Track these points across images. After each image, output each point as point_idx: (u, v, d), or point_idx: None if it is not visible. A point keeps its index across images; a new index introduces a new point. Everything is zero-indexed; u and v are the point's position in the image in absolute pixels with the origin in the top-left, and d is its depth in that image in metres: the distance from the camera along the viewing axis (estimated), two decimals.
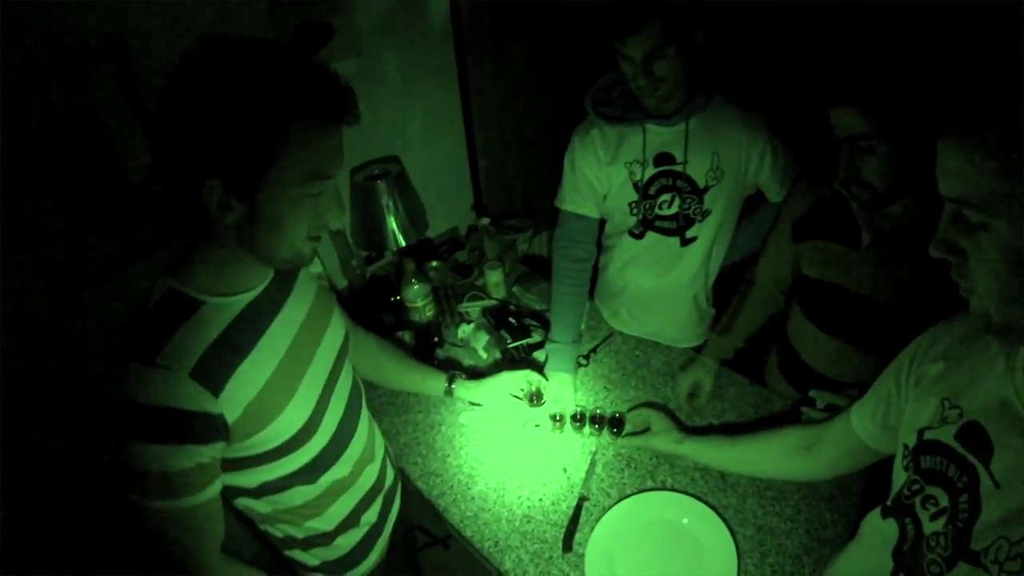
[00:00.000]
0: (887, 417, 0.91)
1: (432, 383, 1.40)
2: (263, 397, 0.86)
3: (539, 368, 1.58)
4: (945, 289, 1.11)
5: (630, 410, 1.42)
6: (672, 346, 1.71)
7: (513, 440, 1.45)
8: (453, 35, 2.01)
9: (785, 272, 1.45)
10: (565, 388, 1.53)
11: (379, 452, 1.19)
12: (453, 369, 1.44)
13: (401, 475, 1.35)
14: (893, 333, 1.25)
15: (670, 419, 1.34)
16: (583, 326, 1.74)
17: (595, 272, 1.82)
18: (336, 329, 1.07)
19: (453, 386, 1.39)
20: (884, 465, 0.99)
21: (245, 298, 0.87)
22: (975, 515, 0.69)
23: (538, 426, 1.45)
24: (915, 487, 0.78)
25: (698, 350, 1.64)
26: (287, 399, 0.91)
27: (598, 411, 1.40)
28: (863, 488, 1.27)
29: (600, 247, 1.73)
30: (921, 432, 0.80)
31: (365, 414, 1.15)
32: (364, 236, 1.88)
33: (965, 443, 0.73)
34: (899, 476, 0.85)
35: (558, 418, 1.43)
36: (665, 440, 1.30)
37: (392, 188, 1.83)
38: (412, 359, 1.42)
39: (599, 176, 1.54)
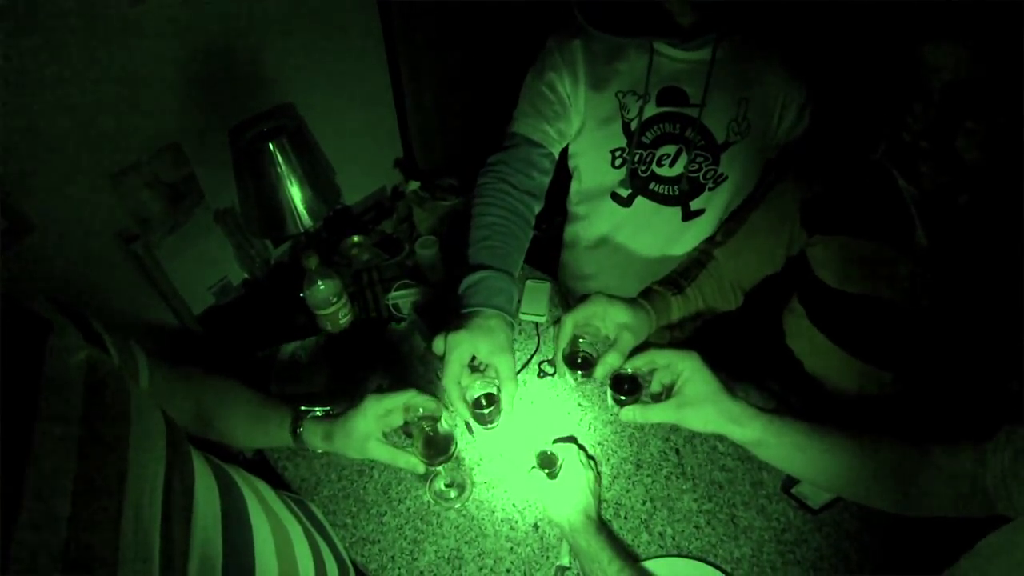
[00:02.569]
0: None
1: (277, 432, 0.91)
2: None
3: (426, 386, 1.09)
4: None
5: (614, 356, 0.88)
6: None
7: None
8: None
9: (766, 267, 1.11)
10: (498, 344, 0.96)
11: (303, 552, 0.82)
12: (299, 404, 0.93)
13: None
14: (939, 347, 0.99)
15: (712, 374, 0.82)
16: (546, 309, 1.40)
17: (558, 248, 1.48)
18: (146, 420, 0.62)
19: (300, 430, 0.90)
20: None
21: None
22: None
23: (445, 498, 1.01)
24: None
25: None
26: None
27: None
28: (888, 523, 1.04)
29: (565, 215, 1.37)
30: None
31: (258, 512, 0.76)
32: (257, 218, 1.46)
33: None
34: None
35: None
36: (715, 413, 0.79)
37: (287, 150, 1.41)
38: (253, 398, 0.94)
39: (574, 98, 1.15)
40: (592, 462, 1.09)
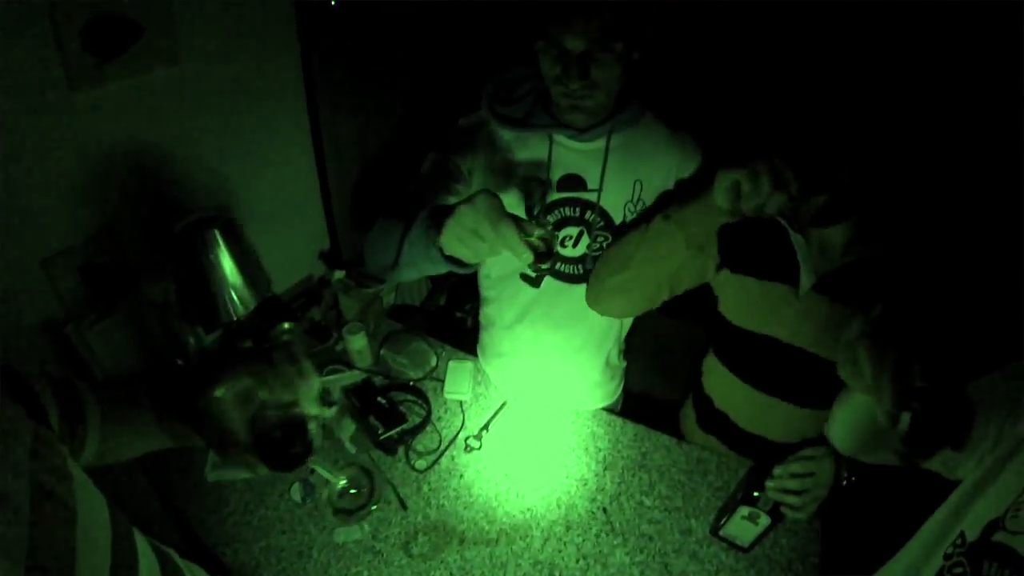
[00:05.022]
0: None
1: None
2: None
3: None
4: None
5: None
6: (578, 411, 1.49)
7: (401, 563, 1.16)
8: (299, 39, 1.63)
9: (675, 273, 1.14)
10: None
11: None
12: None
13: None
14: (827, 381, 1.14)
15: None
16: (470, 387, 1.50)
17: (476, 328, 1.58)
18: (90, 511, 0.62)
19: None
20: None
21: None
22: None
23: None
24: None
25: (609, 410, 1.47)
26: None
27: None
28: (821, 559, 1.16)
29: (479, 299, 1.47)
30: (990, 529, 0.67)
31: None
32: (189, 305, 1.48)
33: None
34: (934, 557, 0.74)
35: None
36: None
37: (220, 240, 1.46)
38: None
39: (474, 171, 1.20)
40: None
